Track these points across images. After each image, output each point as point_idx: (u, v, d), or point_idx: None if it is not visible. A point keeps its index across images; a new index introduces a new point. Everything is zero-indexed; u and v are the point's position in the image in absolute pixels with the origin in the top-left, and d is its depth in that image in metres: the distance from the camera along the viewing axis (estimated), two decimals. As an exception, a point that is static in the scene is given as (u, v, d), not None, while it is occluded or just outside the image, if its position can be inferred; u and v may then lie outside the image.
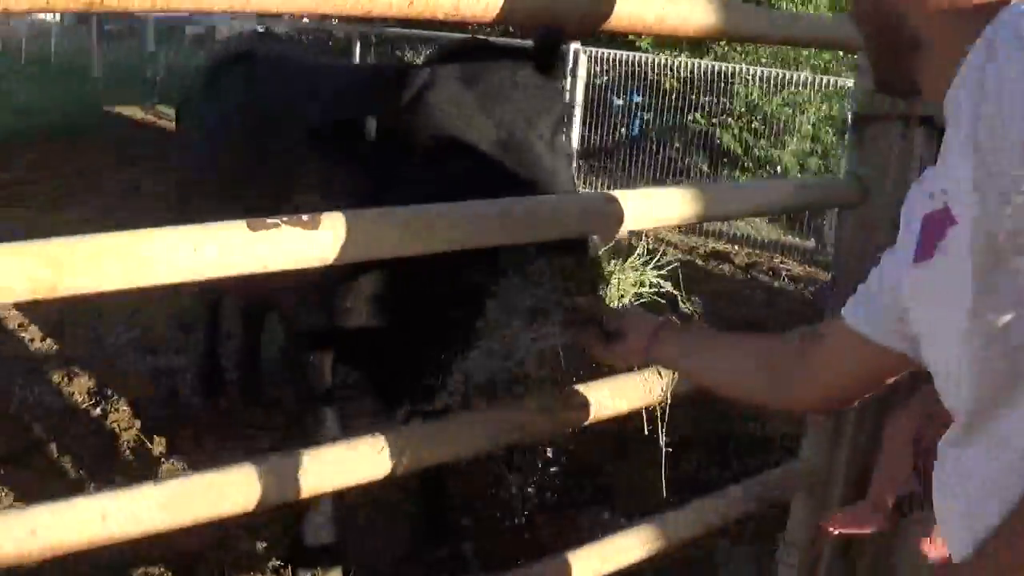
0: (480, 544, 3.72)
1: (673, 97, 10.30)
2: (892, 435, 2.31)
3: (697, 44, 10.64)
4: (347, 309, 2.76)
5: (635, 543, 2.56)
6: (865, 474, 3.16)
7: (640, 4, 2.02)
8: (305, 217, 1.68)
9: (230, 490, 1.72)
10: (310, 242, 1.68)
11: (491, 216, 1.92)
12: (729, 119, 10.31)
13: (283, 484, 1.78)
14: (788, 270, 8.82)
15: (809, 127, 10.21)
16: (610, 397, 2.28)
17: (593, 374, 2.27)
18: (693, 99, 10.28)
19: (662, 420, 2.26)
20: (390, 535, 3.77)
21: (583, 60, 10.20)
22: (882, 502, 2.22)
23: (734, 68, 10.05)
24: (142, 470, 4.14)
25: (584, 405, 2.25)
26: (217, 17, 16.27)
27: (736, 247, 9.43)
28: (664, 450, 2.23)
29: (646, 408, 2.29)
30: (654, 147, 10.56)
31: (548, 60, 2.55)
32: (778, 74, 9.90)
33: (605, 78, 10.69)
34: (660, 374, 2.29)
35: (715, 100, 10.26)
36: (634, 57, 10.46)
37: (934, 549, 2.07)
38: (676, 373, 2.25)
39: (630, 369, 2.29)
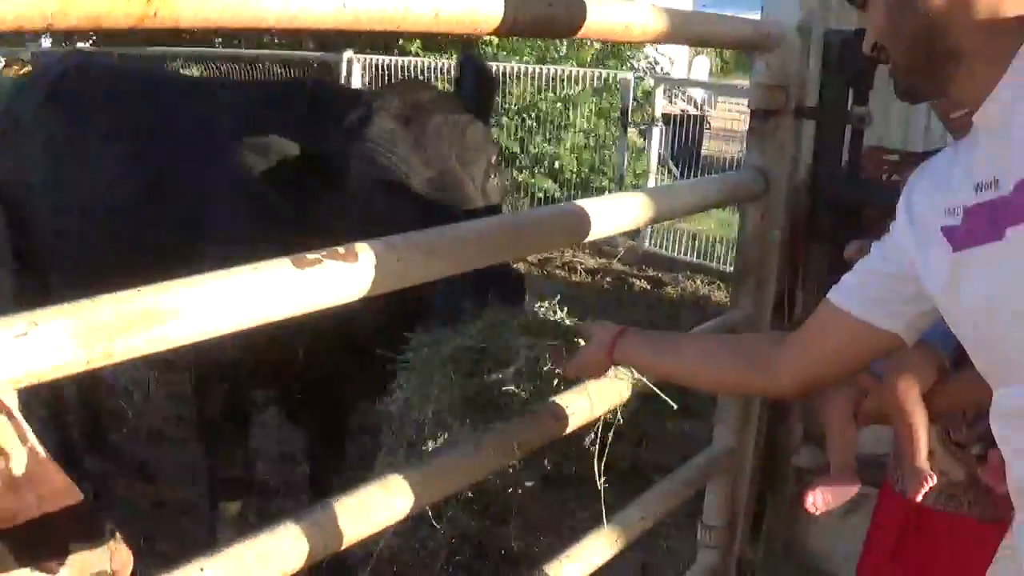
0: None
1: (449, 99, 10.30)
2: (832, 413, 2.42)
3: (467, 45, 10.70)
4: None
5: (599, 546, 2.56)
6: (771, 452, 3.31)
7: (610, 14, 2.05)
8: (342, 249, 1.58)
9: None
10: (352, 276, 1.58)
11: (502, 233, 1.88)
12: (504, 118, 10.42)
13: (310, 544, 1.66)
14: (582, 263, 9.03)
15: (584, 121, 10.47)
16: (587, 403, 2.27)
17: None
18: (466, 100, 10.30)
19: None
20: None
21: (356, 68, 10.08)
22: (847, 470, 2.34)
23: (508, 67, 10.18)
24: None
25: (563, 416, 2.23)
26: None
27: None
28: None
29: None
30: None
31: (484, 106, 2.73)
32: (550, 71, 10.11)
33: (378, 85, 10.57)
34: (620, 376, 2.32)
35: (490, 100, 10.32)
36: (404, 62, 10.42)
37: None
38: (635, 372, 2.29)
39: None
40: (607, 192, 10.11)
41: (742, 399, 3.07)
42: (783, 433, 3.25)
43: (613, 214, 2.17)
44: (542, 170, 10.48)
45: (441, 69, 10.26)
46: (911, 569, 2.42)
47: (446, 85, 10.25)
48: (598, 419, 2.26)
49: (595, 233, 2.10)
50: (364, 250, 1.60)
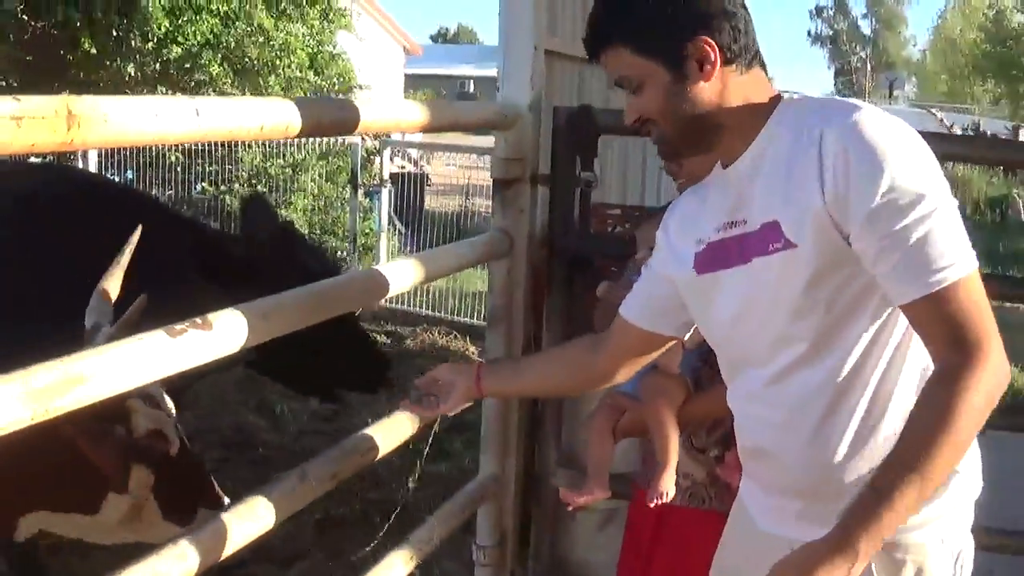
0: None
1: (179, 170, 10.44)
2: (593, 428, 2.88)
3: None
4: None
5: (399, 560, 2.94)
6: (530, 476, 3.78)
7: (386, 112, 2.50)
8: (199, 320, 1.93)
9: None
10: (209, 341, 1.92)
11: (316, 298, 2.28)
12: (235, 185, 10.63)
13: (197, 559, 1.99)
14: (323, 321, 9.30)
15: (312, 184, 10.83)
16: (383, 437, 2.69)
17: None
18: (199, 169, 10.49)
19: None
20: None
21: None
22: (601, 478, 2.78)
23: (237, 136, 10.38)
24: None
25: (374, 447, 2.65)
26: None
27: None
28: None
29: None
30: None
31: None
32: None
33: (117, 157, 10.52)
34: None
35: (220, 168, 10.55)
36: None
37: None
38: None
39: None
40: (340, 252, 10.52)
41: (502, 433, 3.54)
42: (540, 460, 3.71)
43: (398, 278, 2.59)
44: (274, 234, 10.69)
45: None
46: (664, 563, 2.87)
47: (180, 157, 10.49)
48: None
49: (389, 294, 2.53)
50: (217, 319, 1.96)
